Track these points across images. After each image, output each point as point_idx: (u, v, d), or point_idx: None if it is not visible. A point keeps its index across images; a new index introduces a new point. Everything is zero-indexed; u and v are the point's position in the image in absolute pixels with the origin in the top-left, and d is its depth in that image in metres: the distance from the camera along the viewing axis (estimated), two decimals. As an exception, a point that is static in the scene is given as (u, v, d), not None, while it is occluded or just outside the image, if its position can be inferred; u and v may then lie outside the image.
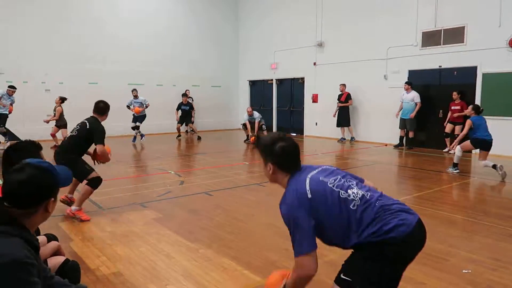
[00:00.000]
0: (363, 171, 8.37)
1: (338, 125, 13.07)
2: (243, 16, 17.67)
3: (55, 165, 1.89)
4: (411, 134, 11.39)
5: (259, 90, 17.36)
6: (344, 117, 12.90)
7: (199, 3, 16.50)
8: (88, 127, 4.75)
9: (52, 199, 1.76)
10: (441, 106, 10.85)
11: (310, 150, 11.65)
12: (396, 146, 11.61)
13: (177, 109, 14.13)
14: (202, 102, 16.37)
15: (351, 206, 2.06)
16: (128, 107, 12.62)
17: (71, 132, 4.89)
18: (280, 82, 16.34)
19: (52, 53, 13.00)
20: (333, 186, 2.11)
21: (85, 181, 4.77)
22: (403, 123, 11.43)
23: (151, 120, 14.70)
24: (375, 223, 2.02)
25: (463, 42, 10.48)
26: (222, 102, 17.47)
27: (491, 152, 10.02)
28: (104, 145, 4.77)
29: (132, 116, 12.73)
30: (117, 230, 4.41)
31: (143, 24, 14.89)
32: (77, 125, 4.89)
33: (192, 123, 14.59)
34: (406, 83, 11.29)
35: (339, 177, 2.17)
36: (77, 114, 10.61)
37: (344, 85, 12.83)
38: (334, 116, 13.02)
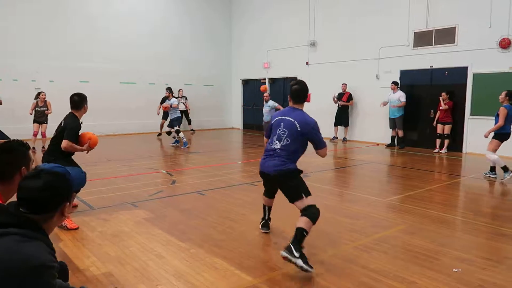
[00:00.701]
0: (355, 171, 8.39)
1: (336, 124, 13.06)
2: (236, 15, 17.63)
3: (69, 168, 1.94)
4: (400, 133, 11.46)
5: (252, 89, 17.34)
6: (343, 117, 12.92)
7: (192, 1, 16.43)
8: (62, 125, 4.58)
9: (68, 203, 1.80)
10: (433, 106, 10.92)
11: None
12: (388, 146, 11.67)
13: (161, 103, 13.92)
14: (195, 101, 16.28)
15: (271, 140, 3.79)
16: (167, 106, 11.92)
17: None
18: (273, 81, 16.33)
19: (43, 51, 12.85)
20: (279, 129, 3.72)
21: None
22: (393, 123, 11.51)
23: (144, 119, 14.65)
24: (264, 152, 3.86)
25: (454, 42, 10.56)
26: (214, 101, 17.43)
27: (481, 151, 10.11)
28: (69, 140, 4.43)
29: (169, 121, 11.87)
30: (107, 230, 4.36)
31: (136, 22, 14.79)
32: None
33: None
34: (393, 83, 11.36)
35: (286, 132, 3.66)
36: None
37: (346, 84, 12.85)
38: (336, 102, 12.92)
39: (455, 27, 10.50)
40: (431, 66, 11.10)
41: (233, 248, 3.86)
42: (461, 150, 10.57)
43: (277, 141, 3.69)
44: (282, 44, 15.41)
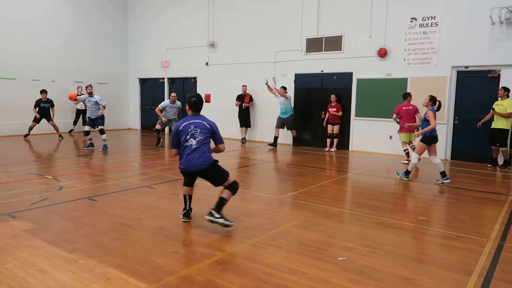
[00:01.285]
0: (253, 170, 8.64)
1: (242, 125, 13.25)
2: (132, 10, 16.86)
3: None
4: (294, 133, 12.09)
5: (150, 89, 16.76)
6: (247, 118, 13.17)
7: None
8: None
9: None
10: (324, 107, 11.78)
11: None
12: (270, 145, 11.99)
13: (35, 107, 12.63)
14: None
15: (184, 143, 4.47)
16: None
17: None
18: (172, 81, 15.99)
19: None
20: (190, 130, 4.44)
21: None
22: (281, 123, 11.96)
23: (26, 119, 13.12)
24: (181, 154, 4.54)
25: (341, 49, 11.53)
26: (109, 100, 16.23)
27: (364, 149, 11.23)
28: None
29: (88, 119, 10.69)
30: (-24, 246, 3.81)
31: (16, 8, 13.20)
32: None
33: (51, 120, 13.04)
34: (281, 87, 11.82)
35: (198, 130, 4.45)
36: None
37: (246, 86, 13.08)
38: (237, 105, 12.97)
39: (341, 36, 11.47)
40: (321, 71, 11.96)
41: (127, 255, 3.67)
42: (348, 148, 11.59)
43: (192, 139, 4.42)
44: (181, 43, 15.19)
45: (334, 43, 11.64)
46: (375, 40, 10.92)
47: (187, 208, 4.73)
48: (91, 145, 10.71)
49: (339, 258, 3.69)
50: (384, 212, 5.32)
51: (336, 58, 11.62)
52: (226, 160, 9.69)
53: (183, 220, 4.68)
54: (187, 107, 4.61)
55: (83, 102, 10.85)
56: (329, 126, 11.46)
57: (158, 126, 11.57)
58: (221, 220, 4.31)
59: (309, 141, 12.41)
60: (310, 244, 4.06)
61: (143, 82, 17.01)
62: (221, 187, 4.59)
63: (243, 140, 13.16)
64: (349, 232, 4.53)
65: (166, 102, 11.53)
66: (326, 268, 3.47)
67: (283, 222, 4.81)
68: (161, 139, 11.94)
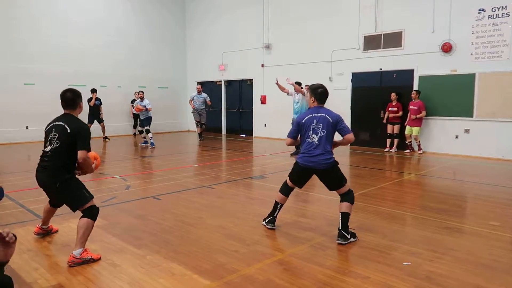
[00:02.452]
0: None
1: None
2: (190, 16, 17.47)
3: None
4: None
5: (207, 92, 17.15)
6: None
7: (145, 1, 16.08)
8: (69, 130, 3.57)
9: None
10: (383, 107, 11.38)
11: (259, 151, 11.74)
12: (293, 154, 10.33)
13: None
14: (149, 104, 15.93)
15: (306, 138, 4.25)
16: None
17: (49, 144, 3.61)
18: (228, 83, 16.33)
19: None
20: (313, 125, 4.20)
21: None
22: None
23: (94, 122, 14.07)
24: (301, 149, 4.32)
25: (401, 46, 11.08)
26: (169, 104, 17.14)
27: (426, 150, 10.66)
28: (88, 151, 3.61)
29: (139, 120, 12.65)
30: (57, 240, 4.15)
31: (88, 24, 14.24)
32: (51, 133, 3.64)
33: (102, 121, 13.88)
34: (296, 83, 10.14)
35: (321, 125, 4.18)
36: (11, 118, 10.05)
37: (303, 87, 12.72)
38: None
39: (401, 32, 11.03)
40: (380, 69, 11.58)
41: (190, 253, 3.81)
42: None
43: (314, 135, 4.20)
44: (237, 46, 15.46)
45: (393, 40, 11.22)
46: (438, 35, 10.36)
47: (274, 215, 4.51)
48: (146, 142, 12.25)
49: (404, 263, 3.55)
50: (451, 216, 5.03)
51: (395, 55, 11.19)
52: (283, 161, 9.71)
53: (269, 227, 4.50)
54: (312, 99, 4.32)
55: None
56: (389, 126, 11.05)
57: (197, 119, 13.72)
58: (352, 240, 4.07)
59: (368, 142, 12.06)
60: (372, 247, 3.95)
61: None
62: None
63: None
64: (414, 236, 4.33)
65: (194, 93, 13.69)
66: (390, 273, 3.35)
67: (343, 224, 4.71)
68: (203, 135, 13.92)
